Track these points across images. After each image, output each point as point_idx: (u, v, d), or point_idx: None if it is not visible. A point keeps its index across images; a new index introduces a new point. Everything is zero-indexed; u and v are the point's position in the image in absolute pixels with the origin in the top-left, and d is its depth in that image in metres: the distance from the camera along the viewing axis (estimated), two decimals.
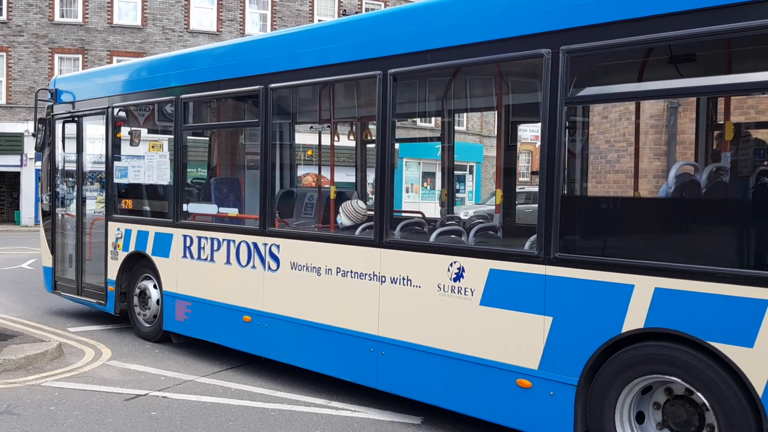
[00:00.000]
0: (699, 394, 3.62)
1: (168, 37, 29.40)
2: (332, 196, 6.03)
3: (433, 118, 16.73)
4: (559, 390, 4.10)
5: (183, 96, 6.78)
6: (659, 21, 3.77)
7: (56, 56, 28.53)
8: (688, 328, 3.63)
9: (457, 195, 36.14)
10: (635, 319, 3.80)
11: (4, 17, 28.20)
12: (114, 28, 28.86)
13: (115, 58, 28.95)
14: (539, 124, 4.28)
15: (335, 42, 5.53)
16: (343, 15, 27.21)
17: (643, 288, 3.77)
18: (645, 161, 9.37)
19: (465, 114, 36.24)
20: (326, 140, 7.36)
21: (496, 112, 6.68)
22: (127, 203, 7.81)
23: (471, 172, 37.15)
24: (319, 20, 31.48)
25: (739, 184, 4.74)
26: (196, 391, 5.59)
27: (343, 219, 5.77)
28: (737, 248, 3.84)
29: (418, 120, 34.23)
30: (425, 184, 35.06)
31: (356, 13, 31.54)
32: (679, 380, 3.68)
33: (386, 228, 5.01)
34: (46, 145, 9.01)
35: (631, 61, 4.51)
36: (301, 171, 9.22)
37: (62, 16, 28.54)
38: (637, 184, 5.77)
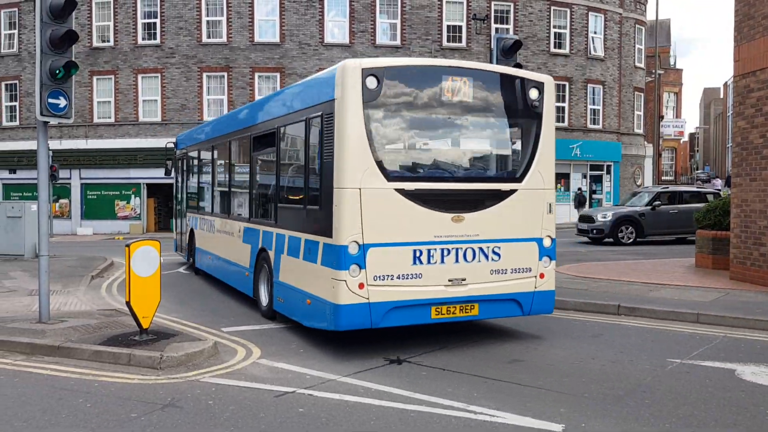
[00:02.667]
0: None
1: (304, 51, 30.71)
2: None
3: None
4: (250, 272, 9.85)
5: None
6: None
7: (204, 75, 30.64)
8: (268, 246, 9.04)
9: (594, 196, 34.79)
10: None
11: (158, 41, 30.70)
12: (255, 46, 30.55)
13: (256, 74, 30.66)
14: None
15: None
16: (474, 19, 28.09)
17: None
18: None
19: (601, 111, 34.90)
20: None
21: None
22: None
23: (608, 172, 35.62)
24: (448, 25, 31.55)
25: None
26: (339, 390, 5.82)
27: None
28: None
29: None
30: (558, 186, 34.07)
31: (486, 16, 31.35)
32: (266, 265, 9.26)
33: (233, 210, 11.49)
34: (171, 172, 17.46)
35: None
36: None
37: (209, 37, 30.61)
38: None
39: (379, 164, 7.11)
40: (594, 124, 34.82)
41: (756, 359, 6.75)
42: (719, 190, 27.95)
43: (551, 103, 8.10)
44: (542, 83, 8.09)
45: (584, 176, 34.49)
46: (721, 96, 75.19)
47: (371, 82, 7.19)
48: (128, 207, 31.05)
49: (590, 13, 34.32)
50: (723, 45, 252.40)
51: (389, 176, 7.15)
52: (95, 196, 31.18)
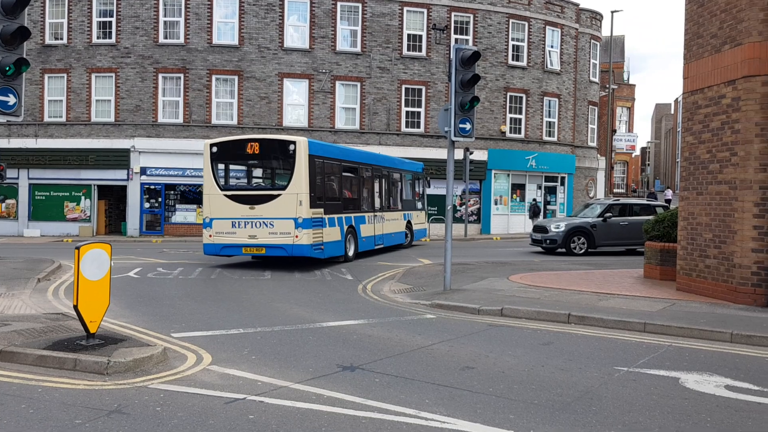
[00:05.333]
0: None
1: (263, 55, 30.51)
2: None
3: None
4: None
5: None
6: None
7: (160, 76, 30.16)
8: None
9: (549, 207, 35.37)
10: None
11: (113, 40, 30.12)
12: (213, 48, 30.23)
13: (214, 77, 30.32)
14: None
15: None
16: (433, 29, 29.66)
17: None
18: None
19: (556, 124, 35.57)
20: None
21: None
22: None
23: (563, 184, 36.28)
24: (409, 34, 31.76)
25: None
26: (291, 396, 5.78)
27: None
28: None
29: (507, 131, 33.83)
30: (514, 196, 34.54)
31: (446, 26, 31.68)
32: None
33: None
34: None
35: None
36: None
37: (166, 37, 30.17)
38: None
39: (217, 184, 16.73)
40: (549, 136, 35.46)
41: (699, 368, 6.95)
42: (669, 199, 28.68)
43: (301, 150, 15.91)
44: (296, 142, 16.10)
45: (539, 187, 35.07)
46: (672, 112, 77.49)
47: (214, 149, 16.87)
48: (78, 209, 30.30)
49: (547, 27, 35.00)
50: (675, 62, 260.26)
51: (222, 188, 16.74)
52: (44, 197, 30.34)
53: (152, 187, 30.21)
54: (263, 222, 15.95)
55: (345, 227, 18.11)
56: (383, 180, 21.67)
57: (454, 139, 12.03)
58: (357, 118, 31.49)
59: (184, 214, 30.55)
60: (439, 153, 30.99)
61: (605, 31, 41.75)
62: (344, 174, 18.71)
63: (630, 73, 61.34)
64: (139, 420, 5.16)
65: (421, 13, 31.88)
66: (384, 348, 7.75)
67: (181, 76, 30.09)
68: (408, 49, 31.82)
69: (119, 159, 29.88)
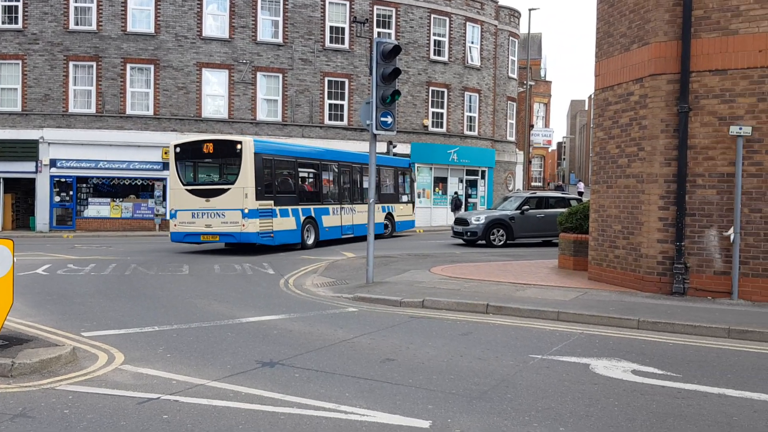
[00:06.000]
0: None
1: (181, 44, 29.65)
2: None
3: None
4: None
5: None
6: None
7: (71, 63, 28.84)
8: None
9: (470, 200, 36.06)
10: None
11: (19, 26, 28.55)
12: (128, 36, 29.14)
13: (128, 66, 29.24)
14: None
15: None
16: (355, 22, 29.57)
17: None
18: None
19: (477, 119, 36.27)
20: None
21: None
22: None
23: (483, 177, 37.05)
24: (331, 26, 31.59)
25: None
26: (207, 395, 5.65)
27: None
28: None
29: (430, 125, 34.22)
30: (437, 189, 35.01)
31: (366, 19, 31.68)
32: None
33: None
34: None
35: None
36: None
37: (77, 24, 28.85)
38: None
39: (180, 179, 19.03)
40: (470, 130, 36.12)
41: (608, 354, 7.26)
42: (582, 192, 29.91)
43: (246, 149, 18.19)
44: (242, 142, 18.46)
45: (461, 181, 35.72)
46: (586, 108, 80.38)
47: (177, 150, 19.18)
48: None
49: (468, 23, 35.59)
50: (589, 60, 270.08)
51: (183, 183, 18.99)
52: None
53: (63, 180, 28.88)
54: (216, 213, 18.40)
55: (302, 218, 20.24)
56: (353, 175, 23.73)
57: (375, 132, 12.06)
58: (279, 110, 31.10)
59: (97, 208, 29.37)
60: (363, 146, 31.02)
61: (523, 29, 42.84)
62: (301, 170, 21.10)
63: (547, 70, 63.22)
64: (45, 423, 4.92)
65: (344, 5, 31.75)
66: (305, 342, 7.69)
67: (94, 64, 28.85)
68: (331, 42, 31.66)
69: (27, 150, 28.38)
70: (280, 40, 30.81)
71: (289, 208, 19.63)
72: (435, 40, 34.21)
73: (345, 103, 32.12)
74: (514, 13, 39.71)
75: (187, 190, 18.85)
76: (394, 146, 30.31)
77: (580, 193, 46.27)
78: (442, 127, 34.70)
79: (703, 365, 6.82)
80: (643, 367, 6.67)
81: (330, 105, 31.90)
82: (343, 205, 22.65)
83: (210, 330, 8.39)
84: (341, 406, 5.38)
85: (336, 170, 22.67)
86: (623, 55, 11.73)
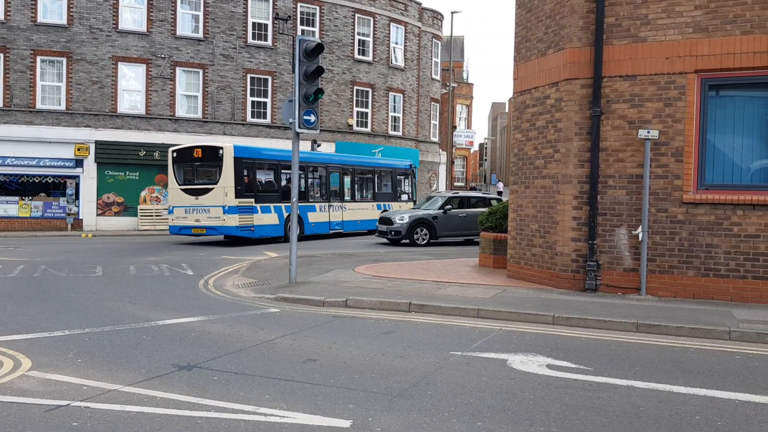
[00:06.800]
0: None
1: (95, 37, 28.53)
2: None
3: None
4: None
5: None
6: None
7: None
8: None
9: None
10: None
11: None
12: (38, 27, 27.79)
13: (39, 58, 27.89)
14: None
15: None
16: (277, 19, 29.22)
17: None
18: None
19: (401, 119, 36.55)
20: None
21: None
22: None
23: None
24: (253, 22, 31.13)
25: None
26: (120, 400, 5.45)
27: None
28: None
29: (354, 124, 34.27)
30: None
31: (289, 17, 31.40)
32: None
33: None
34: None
35: None
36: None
37: None
38: None
39: (176, 180, 22.33)
40: (395, 130, 36.39)
41: (525, 349, 7.47)
42: (501, 191, 30.92)
43: (227, 154, 21.21)
44: (223, 147, 21.33)
45: None
46: (507, 110, 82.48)
47: (174, 155, 22.59)
48: None
49: (392, 24, 35.84)
50: (510, 64, 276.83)
51: (179, 184, 22.17)
52: None
53: None
54: (203, 209, 21.52)
55: (286, 214, 22.93)
56: (343, 176, 26.60)
57: (298, 130, 11.97)
58: (199, 107, 30.40)
59: (4, 207, 27.88)
60: (287, 144, 30.72)
61: (446, 32, 43.53)
62: (285, 171, 23.26)
63: (469, 73, 64.48)
64: None
65: (266, 1, 31.34)
66: (224, 345, 7.55)
67: (1, 55, 27.33)
68: (253, 38, 31.19)
69: None
70: (200, 34, 30.11)
71: (272, 205, 22.56)
72: (359, 40, 34.26)
73: (268, 100, 31.72)
74: (437, 16, 40.28)
75: (181, 189, 22.03)
76: (319, 145, 30.17)
77: (500, 193, 47.48)
78: (366, 126, 34.80)
79: (613, 358, 7.12)
80: (558, 362, 6.90)
81: (253, 102, 31.43)
82: (332, 203, 25.63)
83: (124, 333, 8.11)
84: (261, 408, 5.31)
85: (324, 171, 25.62)
86: (540, 60, 12.09)
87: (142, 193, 29.87)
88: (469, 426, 4.97)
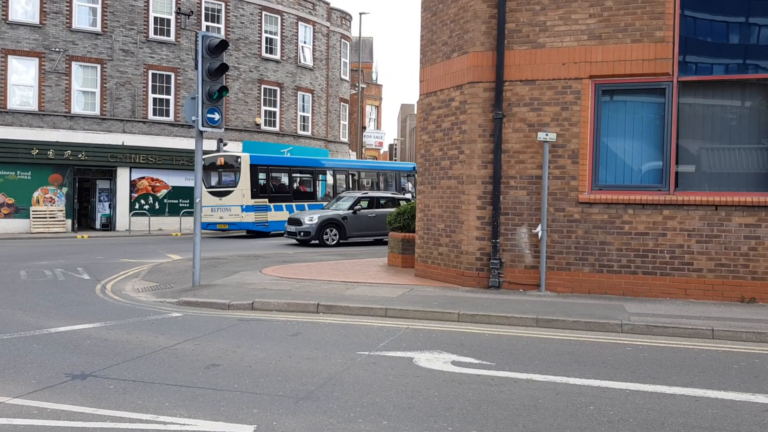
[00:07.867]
0: None
1: None
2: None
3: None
4: None
5: None
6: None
7: None
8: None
9: None
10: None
11: None
12: None
13: None
14: None
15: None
16: (179, 14, 28.33)
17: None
18: None
19: (310, 120, 36.40)
20: None
21: None
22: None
23: None
24: (155, 17, 30.10)
25: None
26: (7, 413, 5.11)
27: None
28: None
29: (262, 123, 33.80)
30: None
31: (192, 12, 30.57)
32: None
33: None
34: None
35: None
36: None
37: None
38: None
39: (204, 184, 25.14)
40: (304, 130, 36.15)
41: (431, 347, 7.58)
42: (411, 192, 31.55)
43: (243, 161, 25.69)
44: (240, 157, 25.90)
45: None
46: (415, 112, 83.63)
47: (205, 163, 23.94)
48: None
49: (300, 23, 35.58)
50: (418, 66, 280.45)
51: (207, 187, 25.76)
52: None
53: None
54: (225, 207, 25.69)
55: (296, 211, 25.86)
56: (349, 178, 30.34)
57: (202, 129, 11.66)
58: (97, 103, 29.07)
59: None
60: (191, 143, 29.88)
61: (355, 33, 43.64)
62: (294, 175, 28.00)
63: (378, 74, 64.87)
64: None
65: None
66: (122, 352, 7.23)
67: None
68: (155, 33, 30.16)
69: None
70: (98, 28, 28.80)
71: (284, 204, 26.72)
72: (267, 38, 33.80)
73: (171, 97, 30.74)
74: (346, 16, 40.33)
75: (208, 191, 25.55)
76: (225, 144, 29.54)
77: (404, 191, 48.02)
78: (275, 126, 34.37)
79: (514, 353, 7.35)
80: (462, 358, 7.05)
81: (155, 99, 30.38)
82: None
83: (13, 342, 7.62)
84: (160, 416, 5.11)
85: (332, 174, 29.84)
86: (445, 63, 12.32)
87: (35, 194, 28.23)
88: (374, 425, 4.98)
